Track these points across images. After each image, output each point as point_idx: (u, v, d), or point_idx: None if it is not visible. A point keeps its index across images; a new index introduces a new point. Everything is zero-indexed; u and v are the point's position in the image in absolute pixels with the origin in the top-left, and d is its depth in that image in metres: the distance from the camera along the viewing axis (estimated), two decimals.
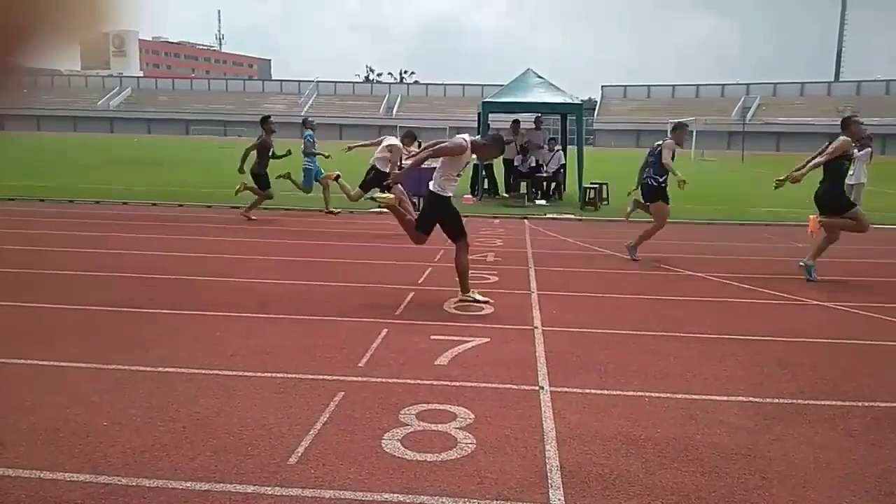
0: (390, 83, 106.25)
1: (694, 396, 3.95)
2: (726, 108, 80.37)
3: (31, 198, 13.43)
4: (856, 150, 13.15)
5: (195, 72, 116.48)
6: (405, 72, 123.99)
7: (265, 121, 11.67)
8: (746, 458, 3.15)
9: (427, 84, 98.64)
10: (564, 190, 16.07)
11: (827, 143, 7.43)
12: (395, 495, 2.74)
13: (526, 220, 12.20)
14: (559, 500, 2.74)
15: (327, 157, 12.05)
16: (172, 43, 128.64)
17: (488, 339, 4.91)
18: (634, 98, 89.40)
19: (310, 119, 12.66)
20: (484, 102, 16.13)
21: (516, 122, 15.86)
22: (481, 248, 8.93)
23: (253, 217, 11.33)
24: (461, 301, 6.03)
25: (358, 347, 4.64)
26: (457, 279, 6.13)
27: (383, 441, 3.21)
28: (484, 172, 15.76)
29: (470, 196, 15.13)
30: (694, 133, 53.10)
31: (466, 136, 6.05)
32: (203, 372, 4.14)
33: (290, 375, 4.08)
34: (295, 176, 11.93)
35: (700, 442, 3.31)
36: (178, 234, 9.92)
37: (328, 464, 2.98)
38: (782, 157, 39.39)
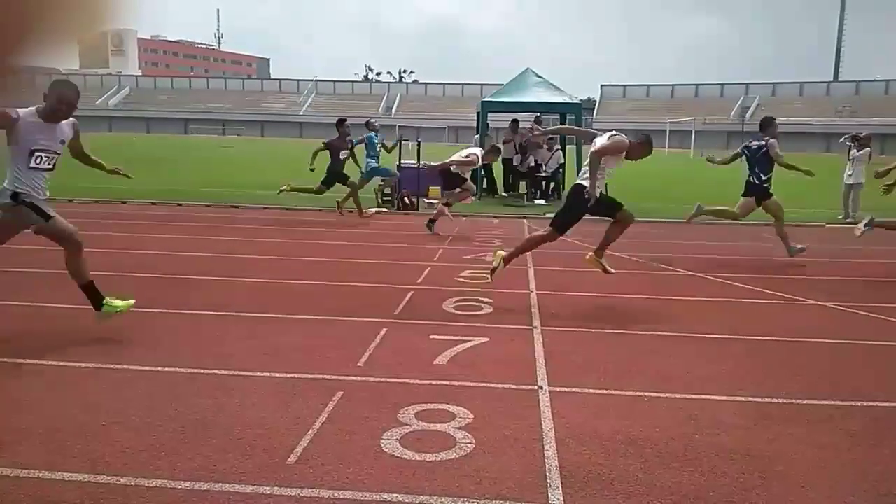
0: (389, 82, 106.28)
1: (693, 396, 3.94)
2: (725, 108, 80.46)
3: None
4: (855, 151, 13.20)
5: (194, 71, 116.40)
6: (404, 71, 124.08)
7: (341, 123, 11.85)
8: (746, 457, 3.15)
9: (426, 84, 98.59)
10: (563, 190, 16.05)
11: None
12: (394, 495, 2.74)
13: (525, 220, 12.19)
14: (558, 499, 2.74)
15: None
16: (171, 42, 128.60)
17: (487, 339, 4.91)
18: (633, 98, 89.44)
19: (372, 121, 12.89)
20: (483, 102, 16.13)
21: (515, 121, 15.86)
22: (480, 248, 8.93)
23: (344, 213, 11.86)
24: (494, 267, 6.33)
25: (357, 347, 4.63)
26: (517, 248, 6.46)
27: (382, 441, 3.21)
28: (483, 172, 15.75)
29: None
30: (693, 133, 53.23)
31: (623, 136, 6.03)
32: (202, 372, 4.13)
33: (288, 375, 4.07)
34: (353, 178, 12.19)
35: (699, 442, 3.31)
36: (176, 233, 9.91)
37: (327, 464, 2.98)
38: None
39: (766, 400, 3.91)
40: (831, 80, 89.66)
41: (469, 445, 3.19)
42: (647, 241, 8.55)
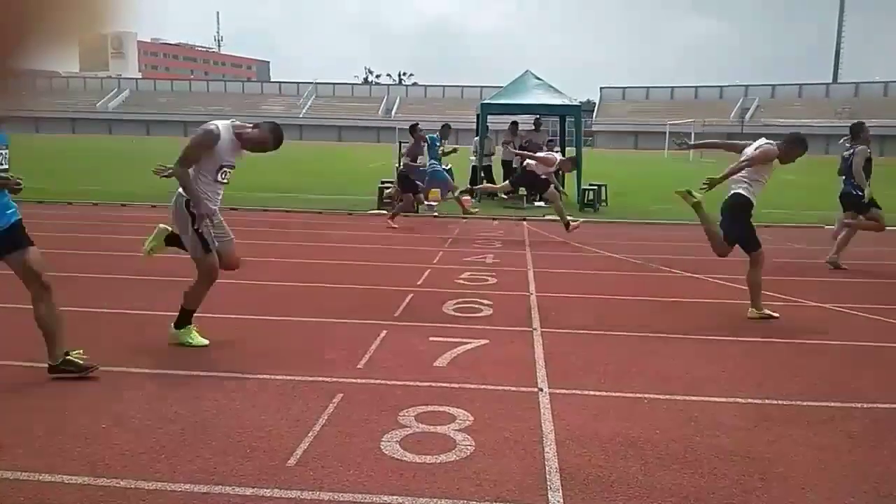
0: (389, 84, 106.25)
1: (693, 398, 3.94)
2: (725, 110, 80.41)
3: (28, 200, 13.40)
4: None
5: (194, 73, 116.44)
6: (404, 73, 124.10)
7: (414, 129, 11.94)
8: (746, 459, 3.15)
9: (426, 86, 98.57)
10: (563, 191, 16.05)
11: None
12: (394, 497, 2.74)
13: (524, 222, 12.19)
14: (558, 501, 2.74)
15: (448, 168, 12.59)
16: (171, 44, 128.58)
17: (487, 341, 4.91)
18: (633, 99, 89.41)
19: (448, 125, 13.21)
20: (483, 104, 16.14)
21: (514, 123, 15.86)
22: (480, 250, 8.93)
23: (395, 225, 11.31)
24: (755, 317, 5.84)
25: (357, 349, 4.63)
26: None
27: (382, 443, 3.21)
28: (483, 174, 15.75)
29: (469, 197, 15.13)
30: (692, 134, 53.19)
31: (771, 142, 5.91)
32: (201, 374, 4.13)
33: (288, 377, 4.07)
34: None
35: (699, 443, 3.31)
36: None
37: (327, 466, 2.98)
38: None
39: (766, 401, 3.91)
40: (830, 81, 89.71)
41: (469, 447, 3.19)
42: (646, 242, 8.56)
